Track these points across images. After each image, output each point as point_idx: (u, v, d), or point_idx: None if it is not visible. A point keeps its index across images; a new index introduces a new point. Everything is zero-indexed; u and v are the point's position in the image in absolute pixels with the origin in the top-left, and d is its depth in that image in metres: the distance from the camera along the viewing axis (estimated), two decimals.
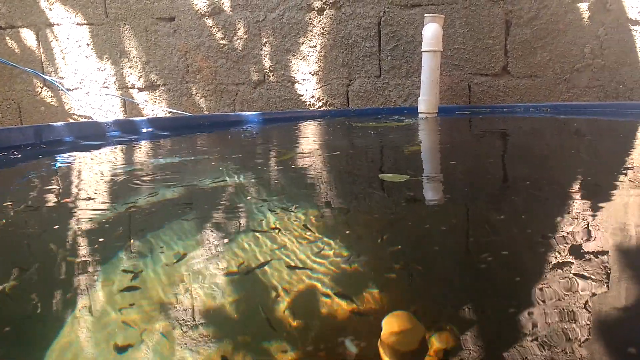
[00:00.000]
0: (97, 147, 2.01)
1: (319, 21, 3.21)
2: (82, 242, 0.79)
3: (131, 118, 2.74)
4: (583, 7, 2.87)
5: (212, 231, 0.82)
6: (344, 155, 1.64)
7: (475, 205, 0.97)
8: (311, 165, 1.44)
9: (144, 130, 2.44)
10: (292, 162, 1.47)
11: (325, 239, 0.74)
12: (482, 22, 3.01)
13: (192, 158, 1.64)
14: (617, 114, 2.59)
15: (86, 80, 3.61)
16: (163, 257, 0.69)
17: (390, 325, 0.46)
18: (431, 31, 2.62)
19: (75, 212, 0.97)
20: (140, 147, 2.06)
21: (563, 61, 2.96)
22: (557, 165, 1.36)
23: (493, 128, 2.35)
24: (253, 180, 1.21)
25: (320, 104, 3.32)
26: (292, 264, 0.65)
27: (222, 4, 3.30)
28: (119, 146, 2.08)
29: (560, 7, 2.90)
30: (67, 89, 3.62)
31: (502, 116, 2.70)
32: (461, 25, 3.03)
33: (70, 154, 1.89)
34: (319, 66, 3.26)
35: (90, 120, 3.54)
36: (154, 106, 3.51)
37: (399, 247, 0.73)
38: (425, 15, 2.78)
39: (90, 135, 2.21)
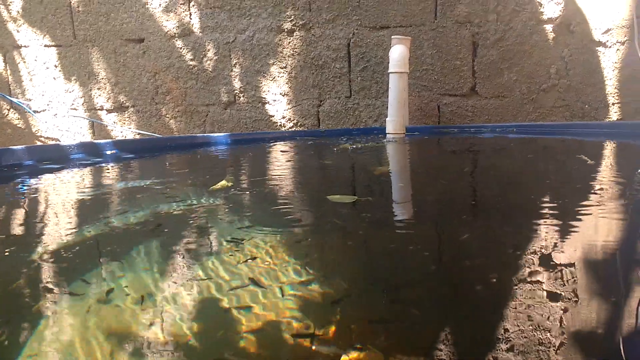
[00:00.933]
0: (53, 172, 1.97)
1: (289, 42, 3.21)
2: None
3: (94, 140, 2.69)
4: (548, 28, 2.92)
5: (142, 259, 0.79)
6: (300, 176, 1.62)
7: (420, 226, 0.95)
8: (258, 189, 1.42)
9: (108, 152, 2.39)
10: (238, 185, 1.45)
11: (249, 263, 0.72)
12: (449, 43, 3.04)
13: (142, 184, 1.60)
14: (582, 134, 2.61)
15: (54, 102, 3.55)
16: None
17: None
18: (397, 53, 2.63)
19: None
20: (101, 171, 2.02)
21: (529, 82, 2.99)
22: (515, 186, 1.35)
23: (458, 148, 2.36)
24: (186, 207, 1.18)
25: (291, 124, 3.31)
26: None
27: (192, 25, 3.29)
28: (78, 170, 2.03)
29: (525, 28, 2.94)
30: (35, 111, 3.57)
31: (469, 136, 2.71)
32: (429, 47, 3.06)
33: (26, 178, 1.84)
34: (290, 87, 3.26)
35: (52, 143, 3.48)
36: (122, 128, 3.47)
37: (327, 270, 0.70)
38: (392, 37, 2.80)
39: (52, 159, 2.16)
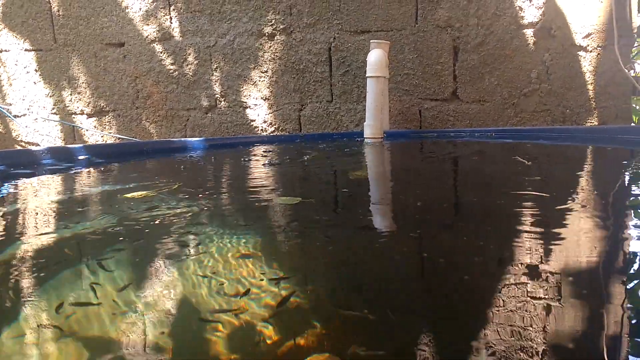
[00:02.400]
0: (21, 177, 1.94)
1: (270, 47, 3.19)
2: None
3: (67, 145, 2.66)
4: (528, 33, 2.90)
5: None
6: (256, 180, 1.59)
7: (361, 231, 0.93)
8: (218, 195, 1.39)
9: (81, 157, 2.36)
10: (196, 191, 1.42)
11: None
12: (430, 48, 3.02)
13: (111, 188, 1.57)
14: (562, 139, 2.59)
15: (34, 107, 3.53)
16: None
17: None
18: (374, 57, 2.61)
19: None
20: (70, 177, 1.99)
21: (511, 86, 2.97)
22: (486, 190, 1.33)
23: (432, 152, 2.33)
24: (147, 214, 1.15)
25: (273, 129, 3.28)
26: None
27: (172, 29, 3.27)
28: (47, 176, 2.00)
29: (506, 33, 2.93)
30: (15, 116, 3.54)
31: (448, 140, 2.69)
32: (410, 51, 3.04)
33: None
34: (271, 91, 3.24)
35: (22, 148, 3.45)
36: (103, 132, 3.44)
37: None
38: (371, 41, 2.78)
39: (23, 164, 2.13)
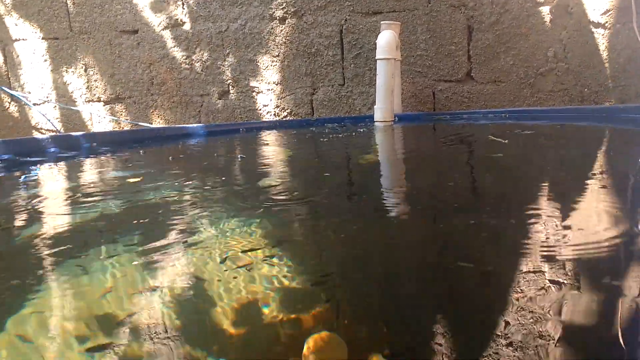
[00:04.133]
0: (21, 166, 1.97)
1: (281, 30, 3.18)
2: None
3: (74, 133, 2.70)
4: (545, 10, 2.82)
5: None
6: (254, 166, 1.60)
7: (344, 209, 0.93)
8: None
9: (91, 145, 2.40)
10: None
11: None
12: (444, 28, 2.97)
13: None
14: (579, 119, 2.53)
15: (52, 94, 3.59)
16: None
17: (311, 344, 0.46)
18: (384, 39, 2.58)
19: None
20: (76, 165, 2.03)
21: (527, 65, 2.90)
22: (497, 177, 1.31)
23: (444, 135, 2.30)
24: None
25: (285, 113, 3.28)
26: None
27: (185, 15, 3.27)
28: (56, 164, 2.04)
29: (522, 11, 2.85)
30: (34, 104, 3.61)
31: (461, 123, 2.65)
32: (423, 32, 2.99)
33: None
34: (283, 76, 3.23)
35: (29, 136, 3.52)
36: (119, 119, 3.49)
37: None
38: (381, 22, 2.74)
39: (30, 152, 2.17)
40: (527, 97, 2.94)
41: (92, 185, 1.49)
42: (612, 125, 2.30)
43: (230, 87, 3.32)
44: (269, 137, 2.54)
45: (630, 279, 0.60)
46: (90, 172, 1.84)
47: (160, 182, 1.40)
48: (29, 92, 3.60)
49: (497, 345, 0.46)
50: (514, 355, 0.45)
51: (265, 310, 0.57)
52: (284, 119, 3.26)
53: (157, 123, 3.45)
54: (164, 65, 3.37)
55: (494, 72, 2.96)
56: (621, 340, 0.46)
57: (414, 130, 2.62)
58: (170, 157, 1.48)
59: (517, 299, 0.55)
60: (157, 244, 0.82)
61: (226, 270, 0.68)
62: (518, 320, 0.51)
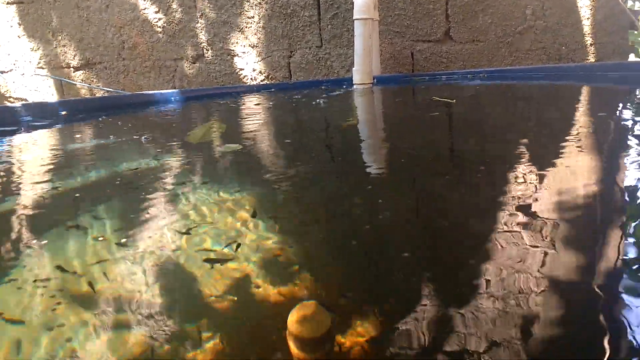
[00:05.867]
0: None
1: None
2: None
3: (47, 101, 2.62)
4: None
5: None
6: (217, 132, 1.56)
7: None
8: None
9: (63, 112, 2.33)
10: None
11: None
12: None
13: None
14: (557, 77, 2.52)
15: (20, 61, 3.46)
16: None
17: (295, 314, 0.46)
18: None
19: None
20: (49, 134, 1.97)
21: (505, 24, 2.87)
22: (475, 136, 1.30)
23: (422, 96, 2.28)
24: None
25: (262, 77, 3.22)
26: None
27: None
28: (24, 134, 1.98)
29: None
30: (2, 71, 3.48)
31: (440, 84, 2.63)
32: None
33: None
34: (258, 38, 3.15)
35: (10, 104, 3.41)
36: (90, 85, 3.39)
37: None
38: None
39: (4, 120, 2.10)
40: (505, 57, 2.93)
41: (60, 155, 1.45)
42: (590, 83, 2.30)
43: (205, 50, 3.23)
44: (248, 102, 2.49)
45: (604, 237, 0.60)
46: (58, 142, 1.78)
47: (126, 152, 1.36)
48: None
49: (477, 301, 0.46)
50: (494, 307, 0.44)
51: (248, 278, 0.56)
52: (261, 83, 3.20)
53: (130, 89, 3.36)
54: (134, 29, 3.26)
55: (472, 32, 2.92)
56: (599, 293, 0.46)
57: (393, 92, 2.59)
58: (143, 138, 1.44)
59: (495, 256, 0.55)
60: (134, 220, 0.80)
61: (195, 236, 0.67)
62: (497, 276, 0.50)
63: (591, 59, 2.80)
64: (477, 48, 2.94)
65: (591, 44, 2.78)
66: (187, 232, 0.70)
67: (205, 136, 1.41)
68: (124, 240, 0.69)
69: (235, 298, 0.53)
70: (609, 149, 1.04)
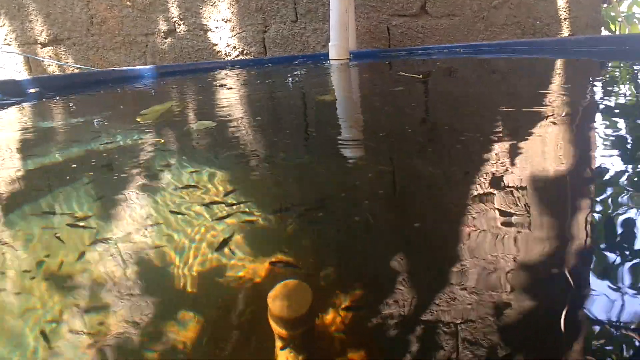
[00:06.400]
0: None
1: None
2: None
3: (14, 78, 2.54)
4: None
5: None
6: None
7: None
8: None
9: (31, 90, 2.26)
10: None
11: None
12: None
13: None
14: (529, 52, 2.53)
15: None
16: None
17: (275, 292, 0.46)
18: None
19: None
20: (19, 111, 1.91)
21: None
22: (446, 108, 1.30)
23: (399, 72, 2.27)
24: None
25: (237, 52, 3.16)
26: None
27: None
28: None
29: None
30: None
31: (416, 59, 2.62)
32: None
33: None
34: (232, 12, 3.08)
35: None
36: (58, 62, 3.29)
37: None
38: None
39: None
40: (480, 31, 2.92)
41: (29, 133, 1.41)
42: (563, 56, 2.31)
43: (177, 25, 3.16)
44: (222, 78, 2.45)
45: (574, 209, 0.61)
46: (28, 119, 1.73)
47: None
48: None
49: (453, 279, 0.46)
50: (470, 287, 0.44)
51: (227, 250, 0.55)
52: (236, 58, 3.14)
53: (100, 66, 3.27)
54: (103, 3, 3.16)
55: (448, 6, 2.91)
56: (566, 272, 0.47)
57: (369, 67, 2.57)
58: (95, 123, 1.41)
59: (469, 232, 0.55)
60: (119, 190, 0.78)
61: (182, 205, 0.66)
62: (473, 253, 0.50)
63: (565, 33, 2.82)
64: (452, 23, 2.93)
65: (565, 18, 2.80)
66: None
67: (161, 116, 1.39)
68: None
69: (215, 277, 0.52)
70: (577, 119, 1.05)
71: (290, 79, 2.13)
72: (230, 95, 1.82)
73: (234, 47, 3.15)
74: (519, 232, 0.54)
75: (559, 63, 2.18)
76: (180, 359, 0.41)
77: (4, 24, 3.31)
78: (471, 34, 2.93)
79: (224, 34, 3.13)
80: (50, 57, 3.30)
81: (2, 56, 3.35)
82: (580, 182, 0.71)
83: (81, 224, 0.66)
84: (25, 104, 2.06)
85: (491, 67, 2.24)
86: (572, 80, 1.70)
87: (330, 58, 2.62)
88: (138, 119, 1.36)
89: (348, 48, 2.62)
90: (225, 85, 2.11)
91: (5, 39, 3.34)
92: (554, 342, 0.38)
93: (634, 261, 0.47)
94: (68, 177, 0.90)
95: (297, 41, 3.09)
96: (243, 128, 1.21)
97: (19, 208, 0.77)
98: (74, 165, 0.98)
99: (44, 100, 2.11)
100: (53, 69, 3.33)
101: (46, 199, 0.80)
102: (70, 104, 2.02)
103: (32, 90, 2.26)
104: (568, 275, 0.45)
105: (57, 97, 2.14)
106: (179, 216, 0.66)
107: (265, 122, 1.31)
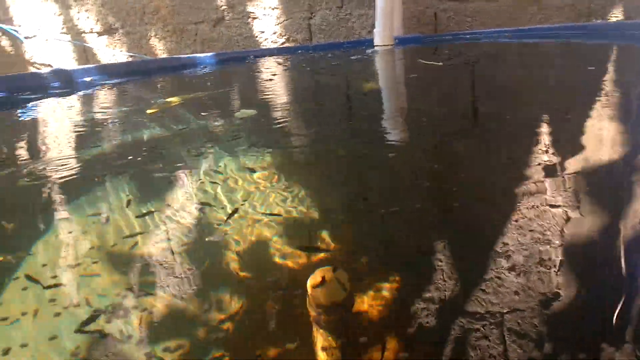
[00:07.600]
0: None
1: None
2: None
3: (73, 67, 2.64)
4: None
5: None
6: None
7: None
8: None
9: (88, 79, 2.36)
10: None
11: None
12: None
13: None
14: (586, 36, 2.45)
15: (43, 28, 3.49)
16: None
17: (314, 280, 0.49)
18: None
19: None
20: (71, 101, 2.00)
21: None
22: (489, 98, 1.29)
23: (444, 58, 2.25)
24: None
25: (283, 40, 3.19)
26: None
27: None
28: (55, 100, 2.01)
29: None
30: (26, 37, 3.51)
31: (462, 44, 2.57)
32: None
33: None
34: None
35: (28, 72, 3.45)
36: (113, 51, 3.41)
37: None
38: None
39: (29, 87, 2.14)
40: (533, 14, 2.85)
41: (90, 120, 1.49)
42: (619, 42, 2.23)
43: (226, 13, 3.21)
44: (268, 65, 2.49)
45: (629, 200, 0.61)
46: (89, 107, 1.82)
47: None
48: (19, 26, 3.50)
49: (497, 266, 0.47)
50: (515, 274, 0.46)
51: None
52: (282, 45, 3.17)
53: (152, 54, 3.37)
54: None
55: None
56: (623, 260, 0.47)
57: (415, 53, 2.55)
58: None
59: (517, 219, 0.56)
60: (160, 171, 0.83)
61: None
62: (517, 240, 0.52)
63: (620, 16, 2.71)
64: (503, 5, 2.86)
65: (621, 0, 2.68)
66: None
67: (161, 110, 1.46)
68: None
69: (256, 260, 0.56)
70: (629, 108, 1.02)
71: (337, 66, 2.14)
72: (274, 83, 1.85)
73: (281, 34, 3.18)
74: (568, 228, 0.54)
75: (613, 49, 2.11)
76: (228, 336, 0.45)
77: (61, 14, 3.44)
78: (523, 17, 2.86)
79: (271, 21, 3.16)
80: (106, 46, 3.42)
81: (60, 44, 3.49)
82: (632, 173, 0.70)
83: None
84: (89, 91, 2.15)
85: (538, 52, 2.18)
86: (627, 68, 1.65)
87: (374, 44, 2.61)
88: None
89: (393, 34, 2.60)
90: (271, 71, 2.15)
91: (63, 28, 3.48)
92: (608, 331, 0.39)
93: None
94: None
95: (343, 27, 3.09)
96: (284, 117, 1.24)
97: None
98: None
99: (119, 85, 2.20)
100: (107, 57, 3.45)
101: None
102: (157, 86, 2.10)
103: (88, 79, 2.36)
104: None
105: (134, 82, 2.23)
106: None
107: (310, 108, 1.34)
